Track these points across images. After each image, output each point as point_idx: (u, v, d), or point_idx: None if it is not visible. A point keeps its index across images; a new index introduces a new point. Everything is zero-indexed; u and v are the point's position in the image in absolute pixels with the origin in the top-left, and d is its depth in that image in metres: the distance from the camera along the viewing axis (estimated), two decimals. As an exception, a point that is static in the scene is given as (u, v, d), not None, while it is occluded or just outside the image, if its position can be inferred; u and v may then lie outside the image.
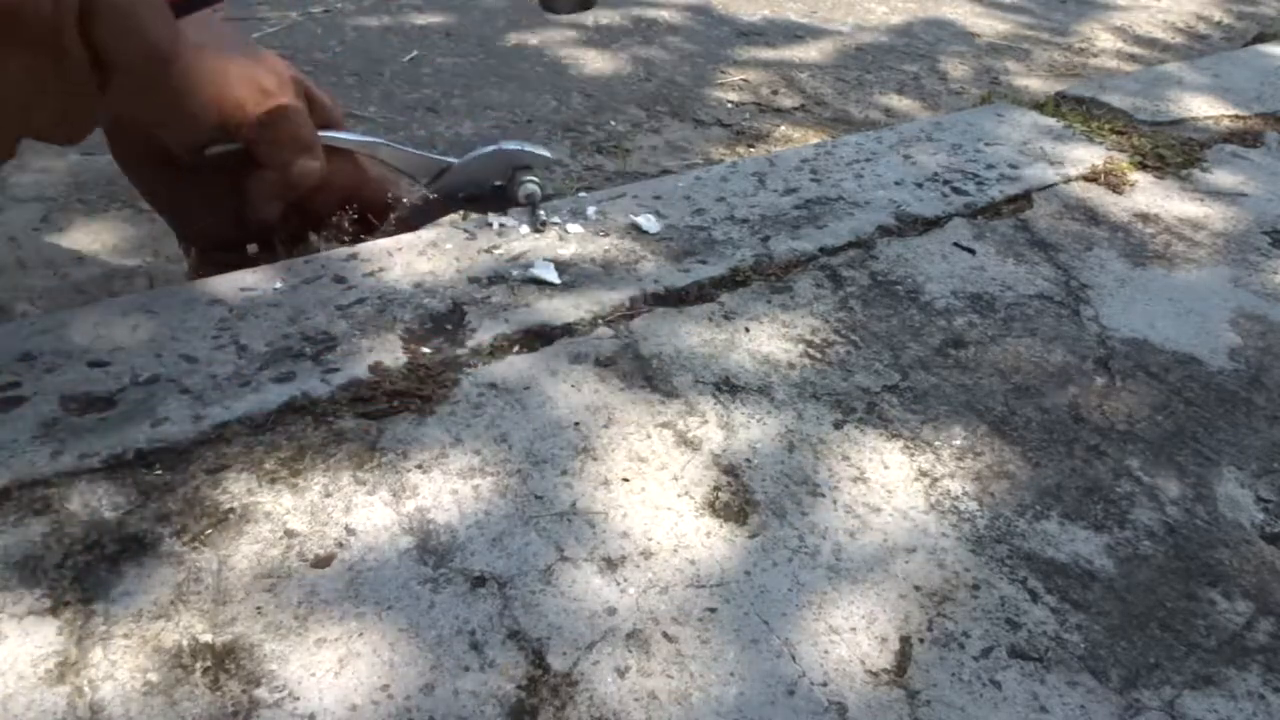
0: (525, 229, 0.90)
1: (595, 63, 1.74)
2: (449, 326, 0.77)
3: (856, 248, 0.94)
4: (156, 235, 1.10)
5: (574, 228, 0.91)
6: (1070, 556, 0.65)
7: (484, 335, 0.76)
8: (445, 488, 0.64)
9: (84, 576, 0.55)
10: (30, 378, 0.67)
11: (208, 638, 0.53)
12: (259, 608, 0.55)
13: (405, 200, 0.91)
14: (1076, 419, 0.76)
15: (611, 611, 0.57)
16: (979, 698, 0.55)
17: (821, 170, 1.07)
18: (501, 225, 0.91)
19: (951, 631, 0.59)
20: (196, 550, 0.58)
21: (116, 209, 1.15)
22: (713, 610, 0.58)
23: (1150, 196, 1.10)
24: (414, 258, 0.85)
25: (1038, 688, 0.56)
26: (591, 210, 0.94)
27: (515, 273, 0.84)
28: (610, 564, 0.60)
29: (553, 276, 0.83)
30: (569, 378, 0.74)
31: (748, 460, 0.69)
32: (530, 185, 0.91)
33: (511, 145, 0.91)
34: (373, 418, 0.68)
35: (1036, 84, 1.82)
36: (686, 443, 0.70)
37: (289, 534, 0.59)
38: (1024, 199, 1.06)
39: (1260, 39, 1.79)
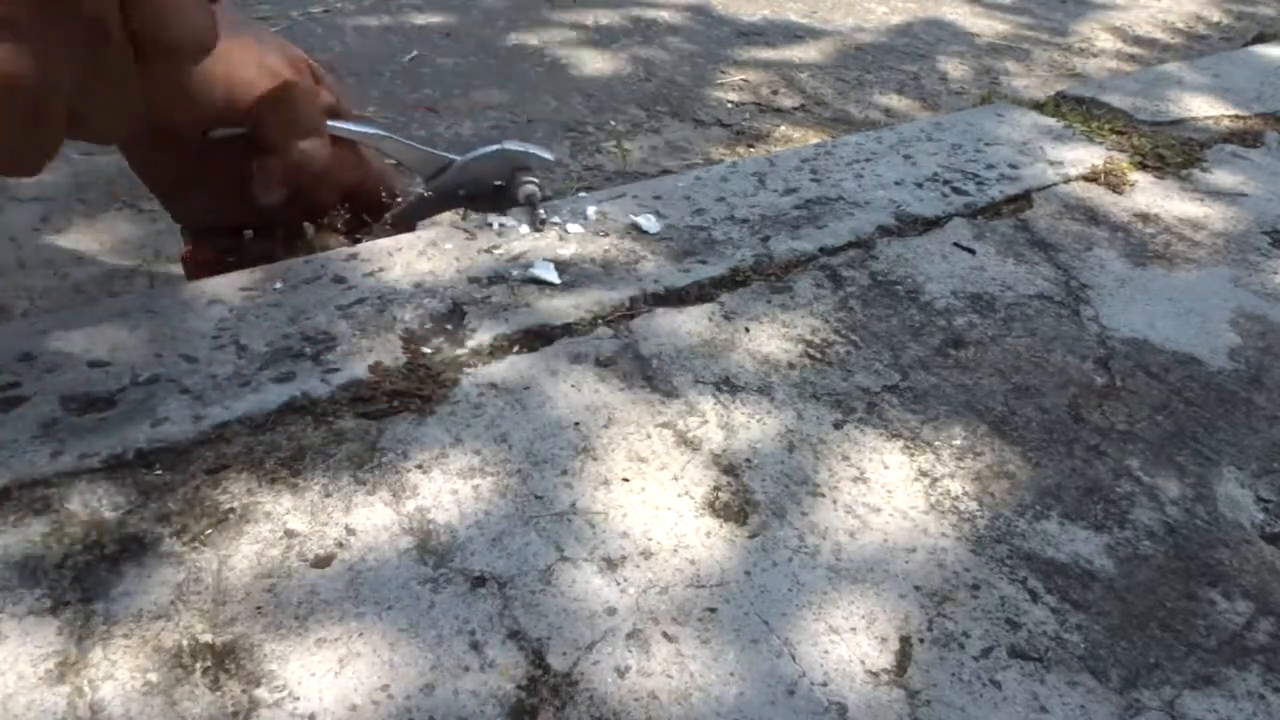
0: (525, 229, 0.90)
1: (595, 63, 1.74)
2: (449, 326, 0.77)
3: (856, 248, 0.94)
4: (156, 235, 1.10)
5: (574, 228, 0.91)
6: (1070, 556, 0.65)
7: (484, 335, 0.76)
8: (445, 488, 0.64)
9: (84, 576, 0.55)
10: (30, 378, 0.67)
11: (208, 638, 0.53)
12: (259, 608, 0.55)
13: (406, 196, 0.91)
14: (1076, 419, 0.76)
15: (611, 611, 0.57)
16: (979, 698, 0.55)
17: (821, 170, 1.07)
18: (501, 225, 0.91)
19: (951, 631, 0.59)
20: (196, 550, 0.58)
21: (116, 209, 1.15)
22: (713, 610, 0.58)
23: (1150, 196, 1.10)
24: (414, 258, 0.85)
25: (1038, 688, 0.56)
26: (591, 210, 0.94)
27: (515, 273, 0.84)
28: (610, 564, 0.60)
29: (553, 276, 0.83)
30: (569, 378, 0.74)
31: (748, 460, 0.69)
32: (530, 185, 0.91)
33: (514, 146, 0.91)
34: (373, 418, 0.68)
35: (1036, 84, 1.82)
36: (686, 443, 0.70)
37: (289, 534, 0.59)
38: (1024, 199, 1.06)
39: (1260, 39, 1.79)
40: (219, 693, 0.50)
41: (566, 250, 0.88)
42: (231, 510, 0.60)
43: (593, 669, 0.54)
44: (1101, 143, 1.21)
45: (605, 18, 1.96)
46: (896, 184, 1.05)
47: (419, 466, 0.65)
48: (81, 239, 1.09)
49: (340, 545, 0.59)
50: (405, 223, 0.92)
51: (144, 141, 0.79)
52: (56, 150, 0.60)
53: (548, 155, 0.91)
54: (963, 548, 0.64)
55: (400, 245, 0.87)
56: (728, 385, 0.75)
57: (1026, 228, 1.01)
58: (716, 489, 0.66)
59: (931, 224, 1.00)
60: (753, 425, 0.72)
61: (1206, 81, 1.44)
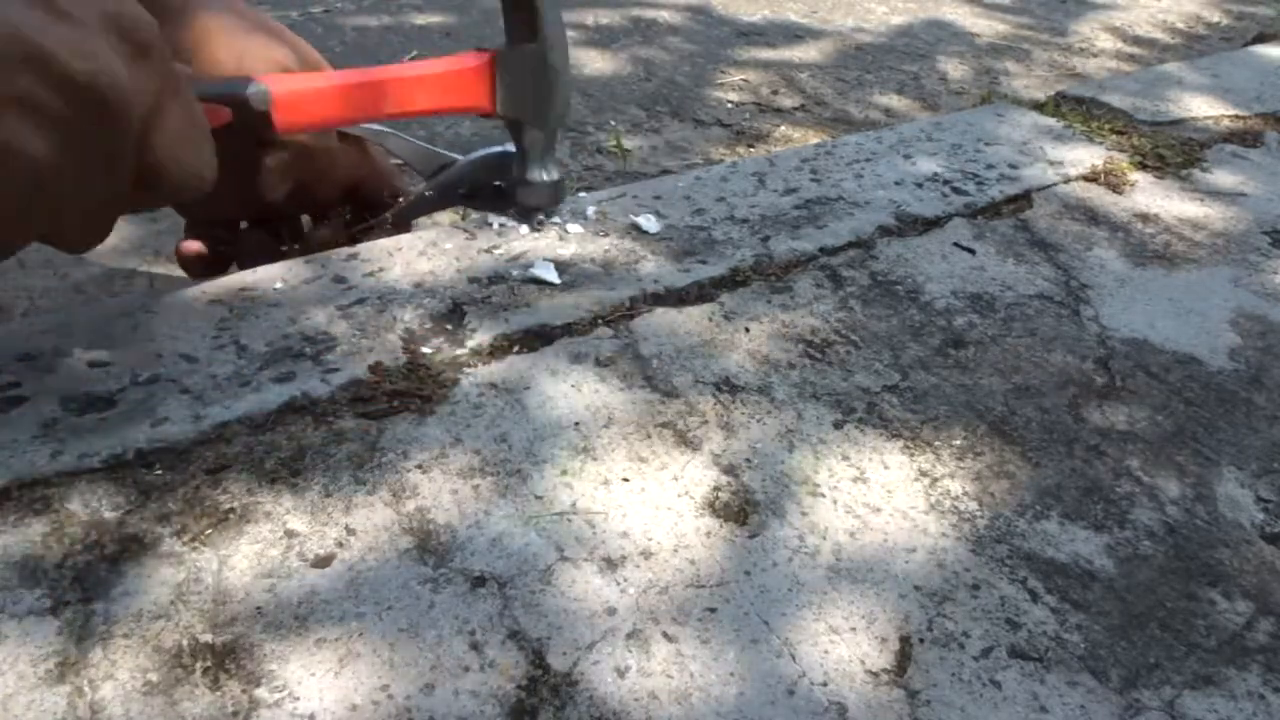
0: (525, 229, 0.90)
1: (595, 63, 1.74)
2: (449, 326, 0.77)
3: (856, 248, 0.94)
4: (156, 235, 1.10)
5: (574, 228, 0.91)
6: (1070, 556, 0.65)
7: (484, 335, 0.76)
8: (445, 488, 0.64)
9: (84, 576, 0.55)
10: (30, 378, 0.67)
11: (208, 638, 0.53)
12: (259, 608, 0.55)
13: (407, 194, 0.91)
14: (1076, 419, 0.76)
15: (611, 611, 0.57)
16: (979, 698, 0.55)
17: (821, 170, 1.07)
18: (501, 225, 0.91)
19: (951, 631, 0.59)
20: (196, 550, 0.58)
21: (116, 209, 1.15)
22: (713, 610, 0.58)
23: (1150, 196, 1.10)
24: (414, 258, 0.85)
25: (1038, 688, 0.56)
26: (591, 210, 0.94)
27: (515, 273, 0.84)
28: (610, 564, 0.60)
29: (553, 276, 0.83)
30: (569, 378, 0.74)
31: (748, 460, 0.69)
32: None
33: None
34: (373, 418, 0.68)
35: (1036, 84, 1.82)
36: (686, 443, 0.70)
37: (289, 534, 0.59)
38: (1024, 199, 1.06)
39: (1260, 39, 1.79)
40: (219, 693, 0.50)
41: (566, 250, 0.88)
42: (231, 510, 0.60)
43: (593, 669, 0.54)
44: (1101, 143, 1.21)
45: (605, 18, 1.96)
46: (896, 184, 1.05)
47: (419, 466, 0.65)
48: (81, 239, 1.09)
49: (340, 545, 0.59)
50: (405, 221, 0.92)
51: None
52: (18, 245, 0.60)
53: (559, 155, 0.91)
54: (963, 548, 0.64)
55: (400, 245, 0.87)
56: (728, 385, 0.75)
57: (1026, 228, 1.01)
58: (716, 489, 0.66)
59: (931, 224, 1.00)
60: (753, 425, 0.72)
61: (1206, 81, 1.44)
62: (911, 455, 0.71)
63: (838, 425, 0.73)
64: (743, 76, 1.75)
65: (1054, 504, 0.69)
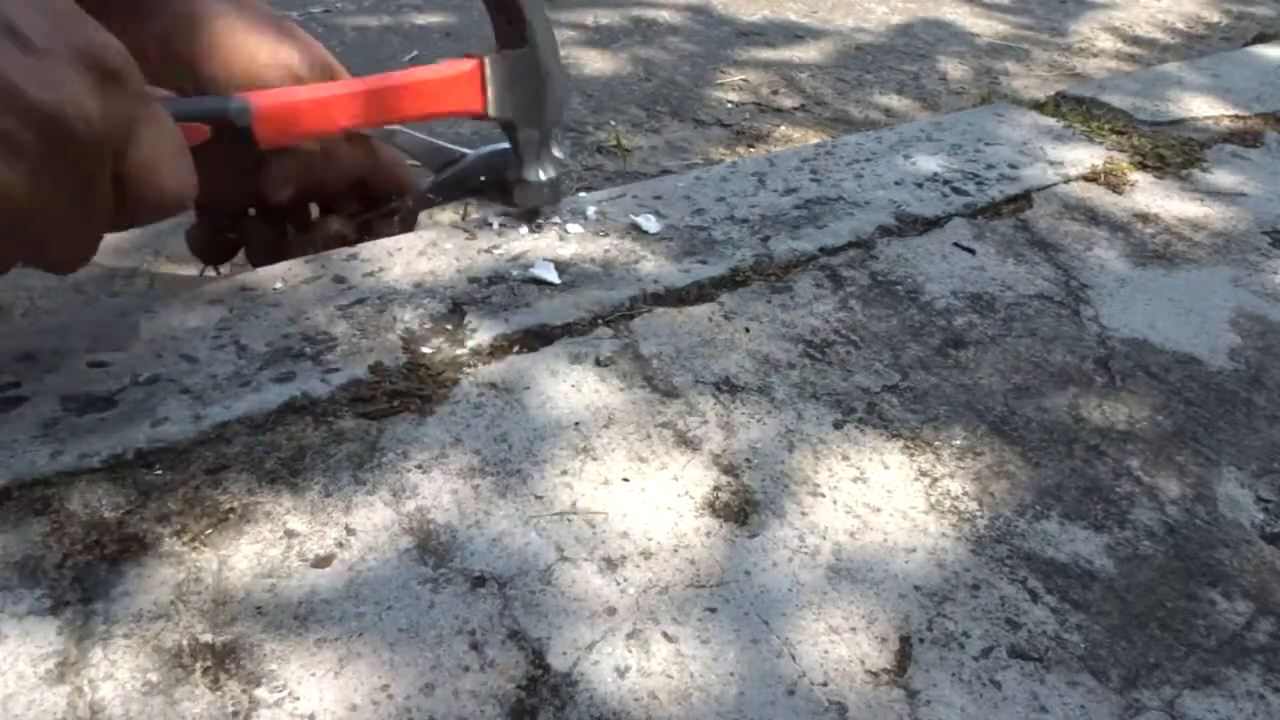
0: (525, 229, 0.90)
1: (595, 63, 1.74)
2: (449, 326, 0.77)
3: (856, 248, 0.94)
4: (156, 235, 1.10)
5: (574, 228, 0.91)
6: (1070, 556, 0.65)
7: (484, 335, 0.76)
8: (445, 488, 0.64)
9: (84, 576, 0.55)
10: (30, 378, 0.67)
11: (208, 638, 0.53)
12: (259, 608, 0.55)
13: (415, 188, 0.91)
14: (1076, 419, 0.76)
15: (611, 611, 0.57)
16: (979, 698, 0.55)
17: (821, 170, 1.07)
18: (501, 225, 0.91)
19: (951, 631, 0.59)
20: (196, 550, 0.58)
21: (116, 209, 1.15)
22: (713, 610, 0.58)
23: (1150, 196, 1.10)
24: (414, 258, 0.85)
25: (1038, 688, 0.56)
26: (591, 210, 0.94)
27: (515, 273, 0.84)
28: (610, 564, 0.60)
29: (553, 276, 0.83)
30: (569, 378, 0.74)
31: (748, 460, 0.69)
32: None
33: None
34: (373, 418, 0.68)
35: (1036, 84, 1.82)
36: (686, 443, 0.70)
37: (289, 534, 0.59)
38: (1024, 199, 1.06)
39: (1260, 39, 1.79)
40: (219, 693, 0.50)
41: (566, 250, 0.88)
42: (231, 510, 0.60)
43: (593, 669, 0.54)
44: (1101, 143, 1.21)
45: (605, 18, 1.96)
46: (896, 184, 1.05)
47: (419, 466, 0.65)
48: (81, 239, 1.09)
49: (340, 545, 0.59)
50: (413, 215, 0.92)
51: None
52: (2, 273, 0.61)
53: (559, 154, 0.91)
54: (963, 548, 0.64)
55: (400, 245, 0.87)
56: (728, 385, 0.75)
57: (1026, 228, 1.01)
58: (716, 489, 0.66)
59: (931, 224, 1.00)
60: (753, 425, 0.72)
61: (1206, 81, 1.44)
62: (911, 455, 0.71)
63: (838, 425, 0.73)
64: (743, 76, 1.75)
65: (1054, 504, 0.69)
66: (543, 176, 0.88)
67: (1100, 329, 0.87)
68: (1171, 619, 0.62)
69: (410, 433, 0.67)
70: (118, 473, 0.61)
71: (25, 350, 0.70)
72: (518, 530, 0.61)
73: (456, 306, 0.79)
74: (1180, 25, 2.30)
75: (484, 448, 0.67)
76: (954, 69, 1.88)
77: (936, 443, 0.72)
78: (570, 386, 0.73)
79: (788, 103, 1.65)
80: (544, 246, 0.88)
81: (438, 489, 0.64)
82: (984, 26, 2.16)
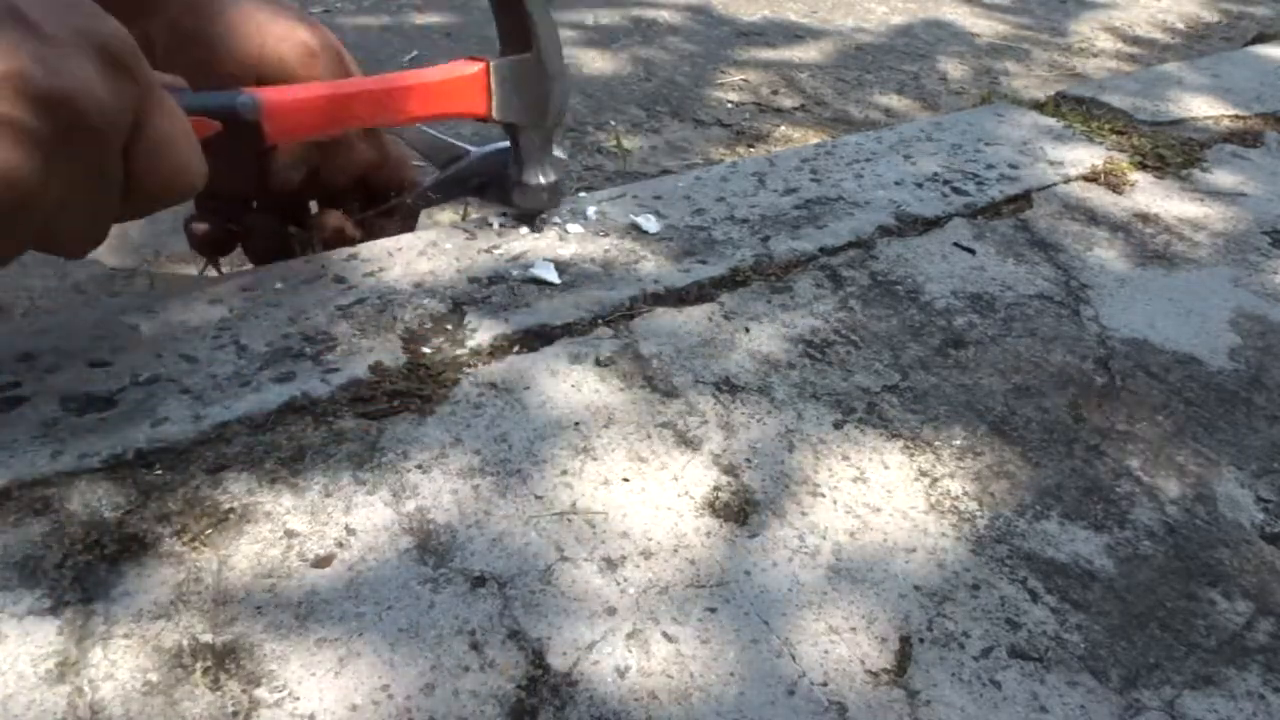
0: (525, 229, 0.90)
1: (595, 63, 1.74)
2: (449, 326, 0.77)
3: (856, 248, 0.94)
4: (156, 235, 1.10)
5: (574, 228, 0.91)
6: (1070, 556, 0.65)
7: (484, 335, 0.76)
8: (445, 488, 0.64)
9: (84, 576, 0.55)
10: (30, 378, 0.67)
11: (208, 638, 0.53)
12: (259, 608, 0.55)
13: (419, 184, 0.90)
14: (1076, 419, 0.76)
15: (611, 611, 0.57)
16: (979, 698, 0.55)
17: (821, 170, 1.07)
18: (501, 225, 0.91)
19: (951, 631, 0.59)
20: (196, 550, 0.58)
21: (116, 209, 1.15)
22: (713, 610, 0.58)
23: (1150, 196, 1.10)
24: (414, 258, 0.85)
25: (1038, 688, 0.56)
26: (591, 210, 0.94)
27: (515, 273, 0.84)
28: (610, 564, 0.60)
29: (553, 276, 0.83)
30: (569, 378, 0.74)
31: (748, 460, 0.69)
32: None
33: None
34: (373, 418, 0.68)
35: (1036, 84, 1.82)
36: (686, 443, 0.70)
37: (289, 534, 0.59)
38: (1024, 199, 1.06)
39: (1260, 39, 1.79)
40: (219, 693, 0.50)
41: (566, 250, 0.88)
42: (231, 510, 0.60)
43: (593, 669, 0.54)
44: (1101, 143, 1.21)
45: (605, 18, 1.96)
46: (896, 184, 1.05)
47: (419, 466, 0.65)
48: (81, 239, 1.09)
49: (340, 545, 0.59)
50: (415, 210, 0.92)
51: None
52: (13, 259, 0.60)
53: (562, 155, 0.91)
54: (963, 548, 0.64)
55: (400, 245, 0.87)
56: (728, 385, 0.75)
57: (1026, 228, 1.01)
58: (716, 489, 0.66)
59: (931, 224, 1.00)
60: (753, 425, 0.72)
61: (1206, 81, 1.44)
62: (911, 455, 0.71)
63: (838, 425, 0.73)
64: (743, 76, 1.75)
65: (1054, 504, 0.69)
66: (543, 180, 0.88)
67: (1100, 329, 0.87)
68: (1171, 619, 0.62)
69: (410, 433, 0.67)
70: (118, 473, 0.61)
71: (25, 350, 0.70)
72: (518, 530, 0.61)
73: (456, 306, 0.79)
74: (1180, 25, 2.30)
75: (484, 448, 0.67)
76: (954, 69, 1.88)
77: (936, 443, 0.72)
78: (570, 386, 0.73)
79: (788, 103, 1.65)
80: (544, 246, 0.88)
81: (438, 489, 0.64)
82: (984, 26, 2.16)
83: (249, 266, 0.88)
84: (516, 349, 0.76)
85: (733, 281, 0.87)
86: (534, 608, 0.57)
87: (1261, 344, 0.88)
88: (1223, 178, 1.16)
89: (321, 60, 0.78)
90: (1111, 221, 1.04)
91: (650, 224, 0.93)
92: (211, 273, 0.89)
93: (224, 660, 0.52)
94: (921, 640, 0.58)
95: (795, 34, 1.99)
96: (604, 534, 0.62)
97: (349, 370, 0.71)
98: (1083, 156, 1.17)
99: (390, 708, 0.51)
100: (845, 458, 0.70)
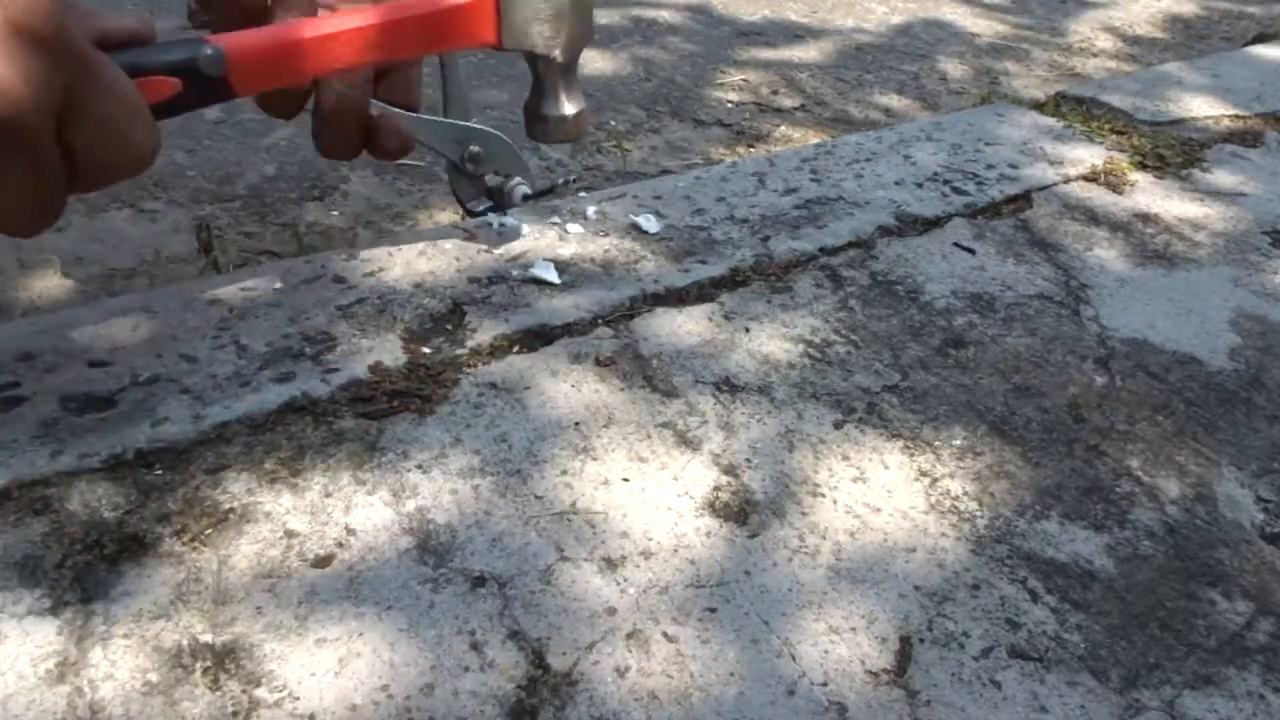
0: (525, 229, 0.90)
1: (595, 63, 1.74)
2: (449, 326, 0.77)
3: (856, 248, 0.94)
4: (156, 235, 1.10)
5: (574, 228, 0.91)
6: (1070, 556, 0.65)
7: (484, 335, 0.76)
8: (445, 488, 0.64)
9: (84, 576, 0.55)
10: (30, 378, 0.67)
11: (208, 638, 0.53)
12: (259, 608, 0.55)
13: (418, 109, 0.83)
14: (1076, 419, 0.76)
15: (611, 611, 0.57)
16: (979, 698, 0.55)
17: (821, 170, 1.07)
18: (501, 225, 0.91)
19: (951, 631, 0.59)
20: (196, 550, 0.58)
21: (116, 209, 1.15)
22: (713, 610, 0.58)
23: (1150, 196, 1.10)
24: (414, 258, 0.85)
25: (1038, 688, 0.56)
26: (591, 210, 0.94)
27: (515, 273, 0.84)
28: (610, 564, 0.60)
29: (553, 276, 0.83)
30: (569, 378, 0.74)
31: (748, 460, 0.69)
32: (522, 188, 0.90)
33: (506, 144, 0.87)
34: (373, 418, 0.68)
35: (1036, 84, 1.82)
36: (686, 443, 0.70)
37: (289, 534, 0.59)
38: (1024, 199, 1.06)
39: (1260, 39, 1.79)
40: (219, 693, 0.50)
41: (566, 250, 0.88)
42: (231, 510, 0.60)
43: (593, 669, 0.54)
44: (1101, 143, 1.21)
45: (605, 18, 1.96)
46: (896, 184, 1.05)
47: (419, 466, 0.65)
48: (81, 239, 1.09)
49: (340, 545, 0.59)
50: (407, 133, 0.84)
51: None
52: None
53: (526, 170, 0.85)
54: (963, 548, 0.64)
55: (400, 245, 0.87)
56: (728, 385, 0.75)
57: (1026, 228, 1.01)
58: (716, 489, 0.66)
59: (931, 224, 1.00)
60: (753, 425, 0.72)
61: (1206, 81, 1.44)
62: (911, 455, 0.71)
63: (838, 425, 0.73)
64: (743, 76, 1.75)
65: (1054, 504, 0.69)
66: (565, 111, 0.79)
67: (1100, 329, 0.87)
68: (1171, 619, 0.62)
69: (410, 433, 0.67)
70: (118, 473, 0.61)
71: (25, 350, 0.70)
72: (518, 530, 0.61)
73: (456, 306, 0.79)
74: (1180, 25, 2.30)
75: (484, 448, 0.67)
76: (954, 69, 1.88)
77: (936, 443, 0.72)
78: (570, 386, 0.73)
79: (788, 103, 1.65)
80: (544, 246, 0.88)
81: (438, 489, 0.64)
82: (984, 26, 2.16)
83: (249, 266, 0.88)
84: (516, 349, 0.76)
85: (733, 281, 0.87)
86: (534, 608, 0.57)
87: (1261, 344, 0.88)
88: (1223, 178, 1.16)
89: None
90: (1111, 221, 1.04)
91: (650, 224, 0.93)
92: (212, 273, 0.89)
93: (224, 660, 0.52)
94: (921, 640, 0.58)
95: (795, 34, 1.99)
96: (604, 534, 0.62)
97: (349, 370, 0.71)
98: (1083, 156, 1.17)
99: (390, 708, 0.51)
100: (845, 458, 0.70)
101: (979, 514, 0.67)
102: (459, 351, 0.75)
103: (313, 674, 0.52)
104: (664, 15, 2.02)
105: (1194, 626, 0.61)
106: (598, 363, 0.75)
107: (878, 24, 2.12)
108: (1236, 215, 1.09)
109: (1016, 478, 0.70)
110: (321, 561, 0.58)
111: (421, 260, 0.85)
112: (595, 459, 0.67)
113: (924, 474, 0.70)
